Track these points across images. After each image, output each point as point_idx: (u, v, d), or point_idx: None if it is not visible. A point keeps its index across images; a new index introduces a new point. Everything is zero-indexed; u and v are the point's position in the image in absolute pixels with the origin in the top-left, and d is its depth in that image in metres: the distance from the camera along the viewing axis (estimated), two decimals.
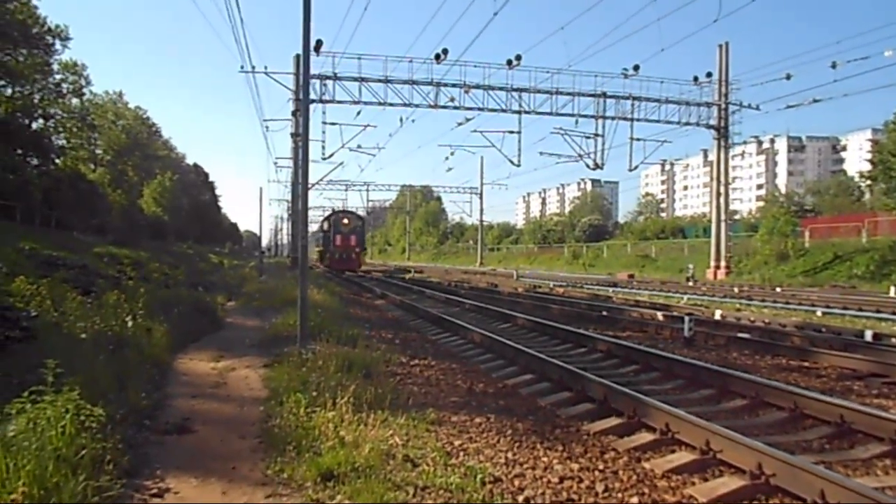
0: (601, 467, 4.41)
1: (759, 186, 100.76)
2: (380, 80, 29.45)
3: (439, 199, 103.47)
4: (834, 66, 25.95)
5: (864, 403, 6.15)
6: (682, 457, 4.58)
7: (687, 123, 33.09)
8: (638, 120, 32.27)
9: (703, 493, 3.96)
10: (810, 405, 5.72)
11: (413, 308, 16.04)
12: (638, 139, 32.66)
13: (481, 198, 65.88)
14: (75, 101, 39.71)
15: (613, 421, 5.49)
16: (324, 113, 30.91)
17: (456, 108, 30.66)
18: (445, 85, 29.90)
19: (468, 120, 31.72)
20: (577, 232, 70.43)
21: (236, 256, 67.25)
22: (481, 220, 68.34)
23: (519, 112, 31.08)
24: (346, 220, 43.39)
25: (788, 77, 28.50)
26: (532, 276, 38.49)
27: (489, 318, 14.03)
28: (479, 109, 30.75)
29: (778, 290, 24.58)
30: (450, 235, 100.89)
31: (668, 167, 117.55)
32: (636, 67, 30.00)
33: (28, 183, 29.23)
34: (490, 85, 30.29)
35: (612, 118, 32.15)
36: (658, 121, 32.61)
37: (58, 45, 34.47)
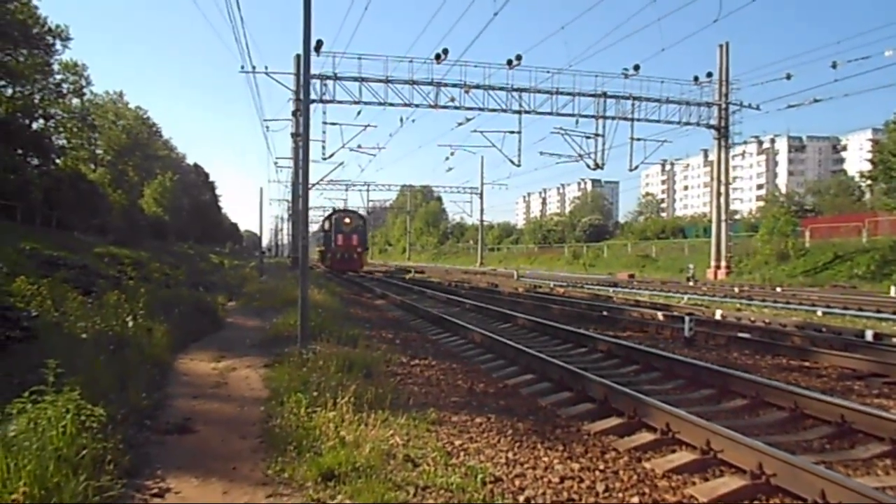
0: (602, 467, 4.41)
1: (760, 186, 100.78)
2: (380, 80, 29.48)
3: (440, 199, 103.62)
4: (834, 65, 25.99)
5: (864, 403, 6.14)
6: (683, 457, 4.58)
7: (687, 123, 33.11)
8: (638, 120, 32.30)
9: (703, 492, 3.96)
10: (811, 405, 5.72)
11: (413, 308, 16.04)
12: (638, 139, 32.72)
13: (481, 198, 65.99)
14: (76, 101, 39.86)
15: (614, 421, 5.49)
16: (324, 113, 31.07)
17: (456, 108, 30.68)
18: (446, 85, 29.91)
19: (468, 120, 31.81)
20: (578, 232, 70.51)
21: (237, 256, 67.14)
22: (482, 220, 68.38)
23: (519, 112, 31.10)
24: (347, 220, 42.83)
25: (789, 77, 28.57)
26: (532, 276, 38.48)
27: (490, 318, 14.03)
28: (480, 109, 30.78)
29: (778, 289, 24.57)
30: (450, 235, 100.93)
31: (668, 167, 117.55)
32: (636, 67, 30.03)
33: (28, 183, 29.24)
34: (490, 85, 30.31)
35: (613, 118, 32.19)
36: (658, 121, 32.66)
37: (58, 46, 34.60)
